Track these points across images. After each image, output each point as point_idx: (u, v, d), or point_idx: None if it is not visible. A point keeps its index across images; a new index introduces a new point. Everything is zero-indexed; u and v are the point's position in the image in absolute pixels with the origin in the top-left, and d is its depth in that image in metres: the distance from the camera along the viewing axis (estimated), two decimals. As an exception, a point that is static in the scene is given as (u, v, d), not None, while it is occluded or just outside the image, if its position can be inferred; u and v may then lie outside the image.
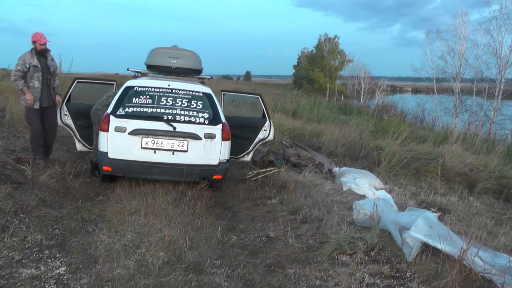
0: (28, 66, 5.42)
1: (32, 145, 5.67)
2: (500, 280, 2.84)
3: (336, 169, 6.78)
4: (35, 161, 5.50)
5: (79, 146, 5.91)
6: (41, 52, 5.51)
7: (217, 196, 5.55)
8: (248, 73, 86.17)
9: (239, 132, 6.00)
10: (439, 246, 3.25)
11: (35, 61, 5.45)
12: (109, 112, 5.06)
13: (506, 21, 18.08)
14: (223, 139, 5.22)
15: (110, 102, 5.28)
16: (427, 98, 22.47)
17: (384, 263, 3.35)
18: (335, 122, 13.29)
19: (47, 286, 3.00)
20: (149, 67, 6.29)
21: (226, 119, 5.42)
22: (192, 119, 5.21)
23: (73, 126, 5.79)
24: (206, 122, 5.24)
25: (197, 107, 5.33)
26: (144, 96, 5.25)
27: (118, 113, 5.06)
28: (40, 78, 5.52)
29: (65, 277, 3.14)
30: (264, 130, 6.32)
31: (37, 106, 5.52)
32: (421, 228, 3.36)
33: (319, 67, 47.10)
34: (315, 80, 46.50)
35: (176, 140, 5.09)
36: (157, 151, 5.04)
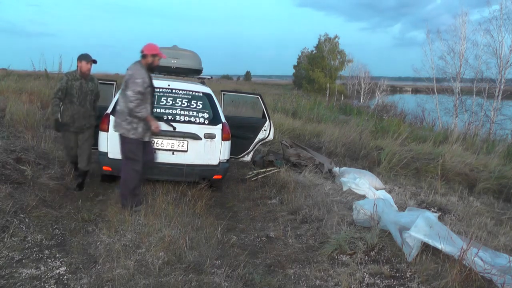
0: (146, 86, 4.28)
1: (124, 188, 4.41)
2: (500, 280, 2.84)
3: (336, 169, 6.78)
4: (131, 208, 4.31)
5: None
6: (152, 70, 4.50)
7: (217, 196, 5.55)
8: (248, 73, 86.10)
9: (239, 132, 6.00)
10: (439, 246, 3.25)
11: (150, 80, 4.33)
12: (109, 112, 5.06)
13: (506, 21, 18.07)
14: (223, 139, 5.22)
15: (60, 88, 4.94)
16: (427, 98, 22.45)
17: (384, 263, 3.35)
18: (335, 122, 13.31)
19: (47, 286, 3.00)
20: (149, 67, 6.27)
21: (226, 119, 5.42)
22: (192, 119, 5.21)
23: None
24: (206, 122, 5.24)
25: (197, 107, 5.33)
26: (144, 96, 5.24)
27: (118, 113, 5.06)
28: (150, 101, 4.42)
29: (65, 277, 3.14)
30: (264, 130, 6.31)
31: (147, 138, 4.46)
32: (421, 228, 3.36)
33: (319, 67, 47.10)
34: (315, 80, 46.49)
35: (176, 140, 5.09)
36: (157, 151, 5.04)
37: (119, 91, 4.58)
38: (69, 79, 5.00)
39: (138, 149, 4.37)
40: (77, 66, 5.06)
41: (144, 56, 4.36)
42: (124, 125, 4.31)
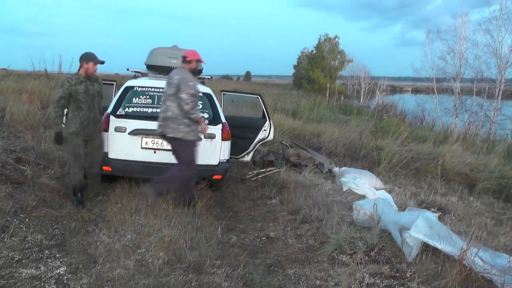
0: (197, 88, 4.54)
1: (173, 181, 4.65)
2: (500, 280, 2.85)
3: (336, 169, 6.78)
4: (184, 202, 4.64)
5: None
6: (195, 75, 4.71)
7: (217, 196, 5.55)
8: (248, 73, 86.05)
9: (239, 132, 6.00)
10: (439, 246, 3.25)
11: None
12: (109, 112, 5.07)
13: (506, 21, 18.03)
14: (223, 139, 5.22)
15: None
16: (427, 98, 22.45)
17: (384, 263, 3.35)
18: (335, 122, 13.31)
19: (47, 286, 3.00)
20: (149, 67, 6.28)
21: (226, 119, 5.42)
22: (192, 119, 5.20)
23: None
24: (206, 122, 5.23)
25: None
26: (144, 96, 5.25)
27: (118, 113, 5.07)
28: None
29: (65, 277, 3.14)
30: (264, 130, 6.32)
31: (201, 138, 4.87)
32: (421, 228, 3.36)
33: (319, 67, 47.09)
34: (315, 80, 46.47)
35: (176, 140, 5.08)
36: (157, 151, 5.04)
37: (168, 97, 4.47)
38: (71, 84, 4.47)
39: (196, 151, 4.63)
40: (82, 67, 4.59)
41: (189, 61, 4.58)
42: (182, 129, 4.47)
